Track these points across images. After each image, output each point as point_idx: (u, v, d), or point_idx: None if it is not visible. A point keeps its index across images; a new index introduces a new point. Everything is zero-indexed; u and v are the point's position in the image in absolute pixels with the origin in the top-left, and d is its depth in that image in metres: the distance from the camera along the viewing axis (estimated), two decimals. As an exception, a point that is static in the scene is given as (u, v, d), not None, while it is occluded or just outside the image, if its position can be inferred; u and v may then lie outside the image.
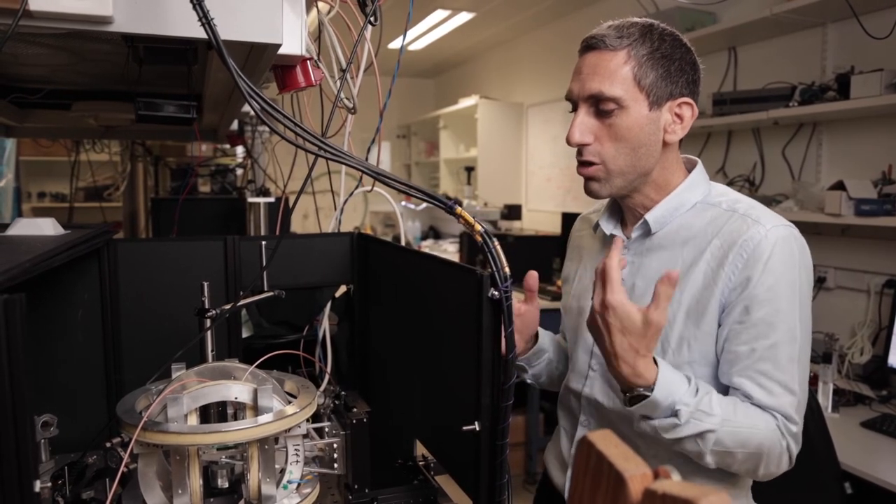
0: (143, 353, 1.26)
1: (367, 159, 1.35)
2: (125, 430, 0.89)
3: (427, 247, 5.97)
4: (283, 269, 1.38)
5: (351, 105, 1.18)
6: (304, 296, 1.58)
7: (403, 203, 6.17)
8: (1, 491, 0.58)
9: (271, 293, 1.26)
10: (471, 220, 0.83)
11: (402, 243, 1.50)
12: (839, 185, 2.40)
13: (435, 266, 1.06)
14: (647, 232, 1.17)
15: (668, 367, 1.01)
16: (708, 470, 1.07)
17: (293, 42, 0.88)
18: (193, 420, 0.98)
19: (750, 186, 3.04)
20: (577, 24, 4.67)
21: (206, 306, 1.09)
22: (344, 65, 1.12)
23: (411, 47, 5.77)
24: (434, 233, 6.78)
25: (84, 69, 1.26)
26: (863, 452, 1.88)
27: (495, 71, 6.09)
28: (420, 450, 1.19)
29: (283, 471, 0.99)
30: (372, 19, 1.05)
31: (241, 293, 1.29)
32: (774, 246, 1.04)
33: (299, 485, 0.99)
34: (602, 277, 1.00)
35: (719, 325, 1.08)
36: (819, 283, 2.70)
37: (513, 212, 5.22)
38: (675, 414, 0.99)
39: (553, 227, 4.75)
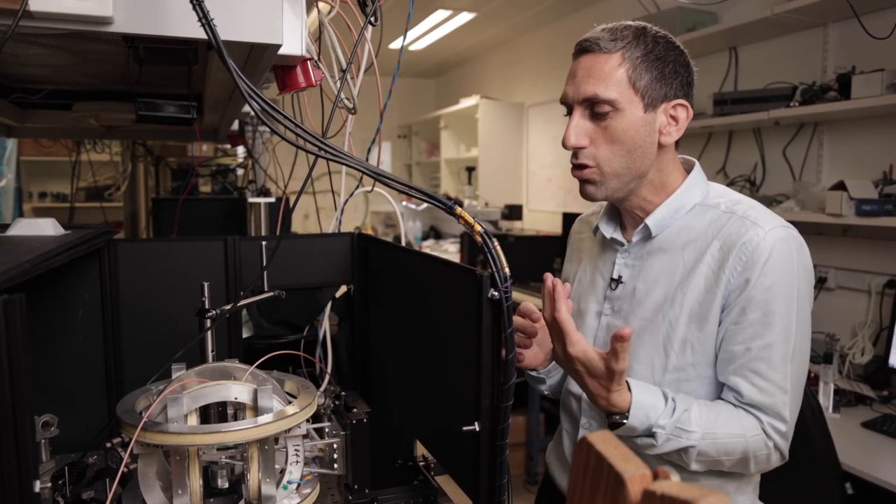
0: (143, 354, 1.26)
1: (367, 159, 1.35)
2: (125, 431, 0.89)
3: (428, 247, 5.97)
4: (283, 270, 1.38)
5: (351, 105, 1.18)
6: (304, 296, 1.58)
7: (404, 203, 6.17)
8: (1, 491, 0.58)
9: (271, 293, 1.26)
10: (471, 220, 0.83)
11: (403, 243, 1.50)
12: (840, 186, 2.40)
13: (435, 266, 1.06)
14: (647, 235, 1.17)
15: (642, 391, 1.04)
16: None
17: (293, 42, 0.88)
18: (193, 420, 0.98)
19: (751, 187, 3.03)
20: (577, 24, 4.66)
21: (207, 306, 1.09)
22: (344, 65, 1.12)
23: (412, 47, 5.77)
24: (435, 233, 6.79)
25: (85, 69, 1.26)
26: (863, 453, 1.88)
27: (496, 71, 6.09)
28: (420, 450, 1.19)
29: (283, 471, 0.99)
30: (372, 19, 1.05)
31: (242, 293, 1.29)
32: (773, 247, 1.05)
33: (299, 485, 0.99)
34: (556, 330, 1.05)
35: (719, 325, 1.09)
36: (820, 283, 2.70)
37: (513, 212, 5.22)
38: (651, 436, 1.03)
39: (554, 227, 4.75)
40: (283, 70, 1.02)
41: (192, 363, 1.04)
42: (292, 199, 1.73)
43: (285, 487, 0.98)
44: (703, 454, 1.04)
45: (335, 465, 1.08)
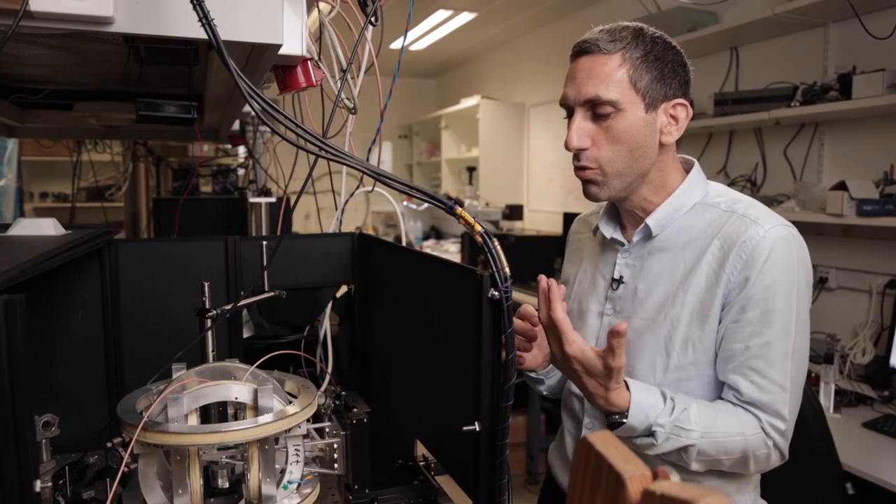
0: (143, 353, 1.26)
1: (367, 159, 1.35)
2: (126, 430, 0.89)
3: (429, 247, 5.97)
4: (283, 270, 1.38)
5: (352, 105, 1.18)
6: (304, 296, 1.58)
7: (405, 203, 6.17)
8: (1, 491, 0.58)
9: (272, 293, 1.26)
10: (471, 220, 0.83)
11: (404, 243, 1.50)
12: (841, 186, 2.40)
13: (435, 266, 1.06)
14: (648, 235, 1.17)
15: (641, 390, 1.04)
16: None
17: (294, 42, 0.88)
18: (194, 420, 0.98)
19: (752, 187, 3.03)
20: (578, 24, 4.66)
21: (207, 306, 1.09)
22: (345, 65, 1.12)
23: (413, 47, 5.77)
24: (436, 233, 6.79)
25: (85, 69, 1.26)
26: (864, 453, 1.88)
27: (497, 71, 6.09)
28: (420, 450, 1.19)
29: (283, 471, 0.99)
30: (373, 20, 1.05)
31: (242, 293, 1.30)
32: (773, 246, 1.05)
33: (299, 485, 1.00)
34: (553, 330, 1.05)
35: (719, 323, 1.09)
36: (821, 283, 2.70)
37: (514, 212, 5.22)
38: (651, 435, 1.03)
39: (555, 227, 4.75)
40: (284, 70, 1.02)
41: (192, 363, 1.04)
42: (293, 199, 1.73)
43: (285, 487, 0.98)
44: (703, 453, 1.04)
45: (335, 465, 1.08)
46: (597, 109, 1.09)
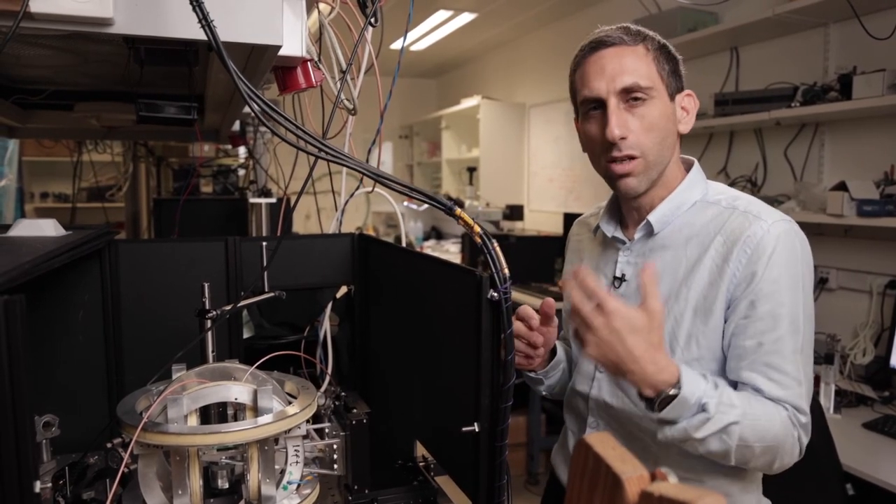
0: (143, 354, 1.26)
1: (367, 160, 1.35)
2: (126, 431, 0.89)
3: (429, 247, 5.97)
4: (283, 270, 1.38)
5: (351, 106, 1.18)
6: (305, 297, 1.58)
7: (405, 204, 6.16)
8: (1, 491, 0.58)
9: (272, 294, 1.26)
10: (470, 221, 0.83)
11: (404, 244, 1.50)
12: (841, 186, 2.40)
13: (434, 267, 1.06)
14: (649, 232, 1.17)
15: (683, 365, 0.99)
16: (720, 467, 1.08)
17: (293, 43, 0.88)
18: (194, 421, 0.98)
19: (752, 187, 3.03)
20: (579, 24, 4.66)
21: (207, 307, 1.09)
22: (344, 66, 1.12)
23: (414, 48, 5.77)
24: (436, 233, 6.78)
25: (86, 70, 1.26)
26: (864, 453, 1.88)
27: (497, 71, 6.09)
28: (420, 450, 1.19)
29: (283, 471, 0.99)
30: (372, 21, 1.05)
31: (242, 294, 1.30)
32: (777, 241, 1.06)
33: (299, 485, 1.00)
34: (589, 294, 0.95)
35: (725, 321, 1.09)
36: (821, 283, 2.70)
37: (515, 212, 5.22)
38: (703, 408, 0.96)
39: (555, 227, 4.75)
40: (284, 71, 1.02)
41: (192, 364, 1.04)
42: (293, 199, 1.74)
43: (285, 488, 0.98)
44: (742, 437, 0.98)
45: (335, 466, 1.09)
46: (632, 97, 1.10)
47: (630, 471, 0.41)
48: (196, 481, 0.92)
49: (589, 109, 1.15)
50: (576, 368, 1.29)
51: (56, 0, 0.71)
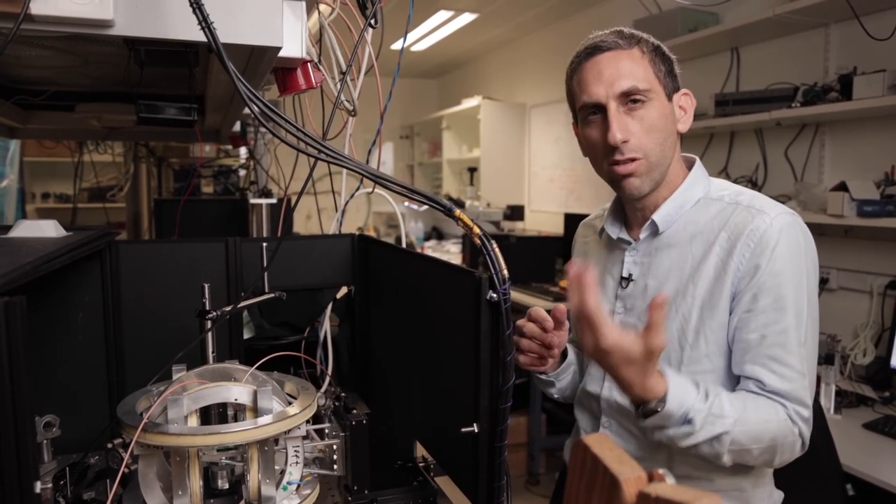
0: (144, 355, 1.27)
1: (367, 160, 1.35)
2: (126, 432, 0.89)
3: (430, 248, 5.97)
4: (284, 271, 1.38)
5: (351, 107, 1.19)
6: (305, 297, 1.58)
7: (406, 204, 6.16)
8: (1, 491, 0.58)
9: (272, 294, 1.26)
10: (469, 222, 0.83)
11: (404, 244, 1.51)
12: (842, 186, 2.40)
13: (434, 268, 1.07)
14: (655, 231, 1.18)
15: (675, 377, 1.01)
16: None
17: (293, 45, 0.88)
18: (194, 421, 0.98)
19: (752, 187, 3.03)
20: (579, 24, 4.66)
21: (207, 308, 1.09)
22: (344, 67, 1.13)
23: (414, 48, 5.77)
24: (437, 233, 6.78)
25: (87, 71, 1.26)
26: (865, 454, 1.88)
27: (498, 72, 6.09)
28: (420, 451, 1.19)
29: (282, 472, 0.99)
30: (372, 22, 1.05)
31: (243, 294, 1.30)
32: (780, 233, 1.07)
33: (299, 486, 1.00)
34: (588, 322, 0.95)
35: (730, 314, 1.10)
36: (822, 283, 2.70)
37: (515, 212, 5.22)
38: (689, 421, 0.99)
39: (556, 227, 4.75)
40: (284, 72, 1.02)
41: (192, 364, 1.05)
42: (294, 199, 1.74)
43: (285, 488, 0.98)
44: (736, 442, 1.01)
45: (335, 466, 1.09)
46: (631, 100, 1.11)
47: (627, 472, 0.41)
48: (196, 482, 0.92)
49: (588, 114, 1.16)
50: (587, 370, 1.29)
51: (56, 2, 0.71)
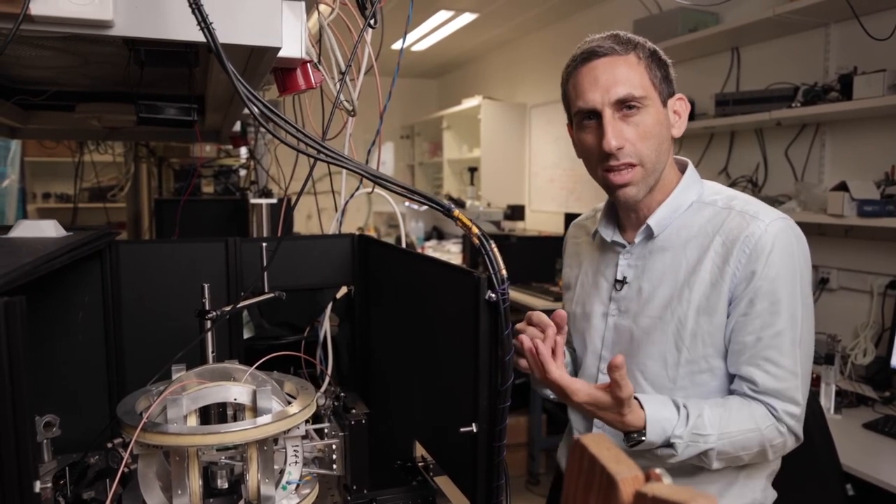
0: (144, 354, 1.27)
1: (367, 160, 1.35)
2: (126, 431, 0.89)
3: (430, 247, 5.97)
4: (283, 271, 1.38)
5: (351, 107, 1.19)
6: (305, 297, 1.59)
7: (406, 204, 6.16)
8: (1, 491, 0.59)
9: (272, 294, 1.26)
10: (468, 222, 0.83)
11: (404, 244, 1.51)
12: (842, 186, 2.40)
13: (433, 268, 1.07)
14: (649, 235, 1.18)
15: (654, 404, 1.05)
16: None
17: (293, 45, 0.88)
18: (193, 421, 0.98)
19: (753, 187, 3.03)
20: (580, 24, 4.66)
21: (207, 308, 1.09)
22: (344, 67, 1.13)
23: (415, 48, 5.78)
24: (438, 233, 6.78)
25: (87, 71, 1.26)
26: (865, 454, 1.88)
27: (498, 72, 6.09)
28: (419, 451, 1.19)
29: (282, 471, 0.99)
30: (371, 22, 1.05)
31: (242, 294, 1.30)
32: (775, 239, 1.09)
33: (298, 485, 1.00)
34: (556, 388, 1.06)
35: (728, 317, 1.12)
36: (822, 283, 2.70)
37: (516, 212, 5.22)
38: (671, 446, 1.04)
39: (556, 227, 4.75)
40: (284, 72, 1.03)
41: (192, 364, 1.05)
42: (294, 199, 1.74)
43: (284, 488, 0.98)
44: (722, 453, 1.06)
45: (334, 466, 1.09)
46: (627, 107, 1.12)
47: (624, 471, 0.41)
48: (195, 481, 0.92)
49: (584, 119, 1.16)
50: (580, 371, 1.30)
51: (56, 2, 0.71)
